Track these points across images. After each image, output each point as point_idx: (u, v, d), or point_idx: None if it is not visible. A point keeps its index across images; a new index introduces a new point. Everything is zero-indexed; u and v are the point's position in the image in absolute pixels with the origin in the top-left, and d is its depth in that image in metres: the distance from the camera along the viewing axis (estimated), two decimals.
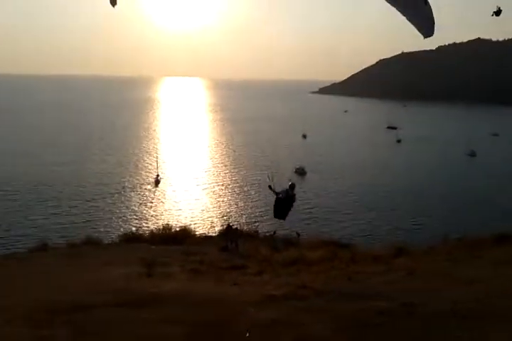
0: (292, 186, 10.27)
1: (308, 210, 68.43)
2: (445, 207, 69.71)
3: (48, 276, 13.16)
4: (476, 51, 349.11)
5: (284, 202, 9.73)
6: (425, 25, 8.96)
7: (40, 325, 8.18)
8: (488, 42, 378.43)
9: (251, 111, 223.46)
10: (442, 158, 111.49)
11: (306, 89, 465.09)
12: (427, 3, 8.73)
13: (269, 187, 10.14)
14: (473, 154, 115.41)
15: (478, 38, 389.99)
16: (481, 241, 14.62)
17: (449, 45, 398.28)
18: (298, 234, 24.45)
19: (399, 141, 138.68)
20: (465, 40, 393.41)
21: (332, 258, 14.81)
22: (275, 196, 9.82)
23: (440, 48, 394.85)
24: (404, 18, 9.44)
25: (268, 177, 10.43)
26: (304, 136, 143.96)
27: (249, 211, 68.42)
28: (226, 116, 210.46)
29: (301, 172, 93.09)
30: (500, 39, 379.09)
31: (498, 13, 10.63)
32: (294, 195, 10.03)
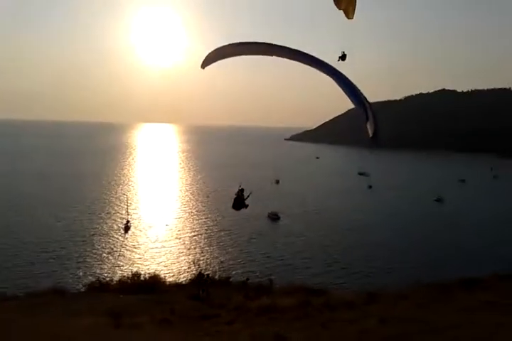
0: (241, 190, 14.59)
1: (281, 256, 67.83)
2: (414, 252, 70.26)
3: (8, 330, 12.44)
4: (441, 101, 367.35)
5: (237, 200, 14.07)
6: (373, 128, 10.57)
7: None
8: (453, 92, 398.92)
9: (224, 158, 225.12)
10: (411, 203, 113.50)
11: (280, 136, 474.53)
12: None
13: (239, 190, 14.48)
14: (440, 200, 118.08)
15: (443, 89, 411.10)
16: (450, 286, 14.72)
17: (415, 95, 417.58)
18: (270, 281, 24.10)
19: (370, 187, 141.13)
20: (431, 91, 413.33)
21: (305, 305, 14.56)
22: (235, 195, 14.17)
23: (407, 98, 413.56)
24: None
25: (240, 185, 14.58)
26: (277, 182, 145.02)
27: (222, 258, 67.21)
28: (199, 162, 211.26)
29: (274, 217, 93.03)
30: (465, 90, 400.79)
31: (343, 57, 11.20)
32: (243, 195, 14.24)
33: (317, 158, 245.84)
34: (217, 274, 32.72)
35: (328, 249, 72.00)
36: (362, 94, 10.75)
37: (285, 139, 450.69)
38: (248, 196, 14.55)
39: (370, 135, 10.45)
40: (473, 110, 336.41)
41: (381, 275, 57.52)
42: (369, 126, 10.36)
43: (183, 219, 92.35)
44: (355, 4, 10.06)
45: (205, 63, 12.05)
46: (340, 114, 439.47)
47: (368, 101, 10.68)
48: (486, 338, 9.26)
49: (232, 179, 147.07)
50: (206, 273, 25.39)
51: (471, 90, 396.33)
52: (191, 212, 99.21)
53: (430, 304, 12.43)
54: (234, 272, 55.98)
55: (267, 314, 14.44)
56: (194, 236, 79.71)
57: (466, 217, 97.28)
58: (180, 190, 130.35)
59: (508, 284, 14.16)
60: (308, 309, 14.26)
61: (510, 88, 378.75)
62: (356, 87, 10.78)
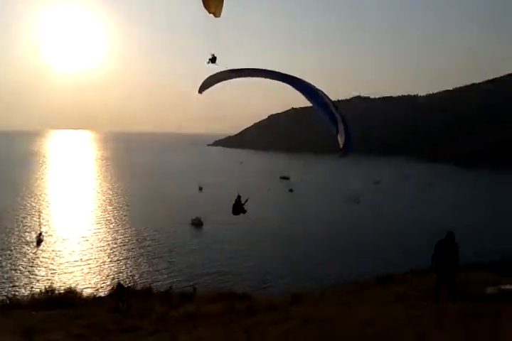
0: (239, 196, 15.52)
1: (205, 263, 67.29)
2: (334, 252, 72.97)
3: None
4: (357, 107, 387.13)
5: (235, 205, 15.16)
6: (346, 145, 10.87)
7: None
8: (367, 99, 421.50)
9: (145, 165, 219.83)
10: (330, 205, 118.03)
11: (203, 142, 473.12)
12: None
13: (237, 197, 15.45)
14: (357, 201, 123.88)
15: (359, 96, 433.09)
16: (367, 283, 15.42)
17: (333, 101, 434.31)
18: (194, 289, 23.80)
19: (291, 191, 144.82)
20: (348, 97, 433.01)
21: (229, 311, 14.50)
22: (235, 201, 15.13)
23: None
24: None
25: (238, 193, 15.42)
26: (200, 188, 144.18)
27: (144, 268, 65.31)
28: (118, 170, 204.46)
29: (197, 223, 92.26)
30: (377, 97, 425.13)
31: (213, 60, 11.51)
32: (240, 201, 15.25)
33: (241, 163, 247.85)
34: (139, 285, 31.69)
35: (252, 254, 72.63)
36: (333, 106, 11.12)
37: (208, 145, 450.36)
38: (246, 201, 15.45)
39: (341, 146, 10.87)
40: (386, 116, 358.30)
41: (305, 277, 58.82)
42: (339, 138, 10.80)
43: (101, 230, 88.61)
44: (222, 5, 10.69)
45: (202, 88, 12.54)
46: (263, 119, 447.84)
47: (340, 113, 11.00)
48: (400, 330, 9.75)
49: (154, 187, 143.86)
50: (127, 284, 24.49)
51: (383, 97, 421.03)
52: (110, 222, 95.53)
53: (349, 302, 12.90)
54: (157, 282, 54.66)
55: (191, 322, 14.20)
56: (114, 247, 76.76)
57: (381, 217, 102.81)
58: (98, 200, 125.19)
59: (419, 278, 15.07)
60: (232, 314, 14.21)
61: (417, 94, 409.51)
62: (326, 98, 11.12)
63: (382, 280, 15.28)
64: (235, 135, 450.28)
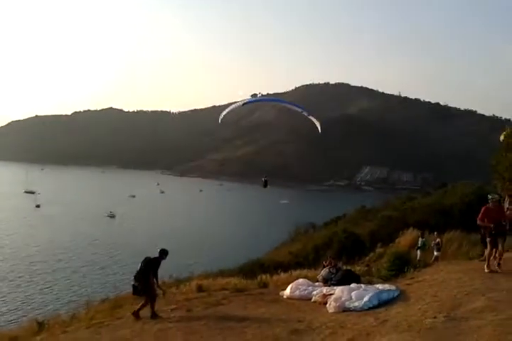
0: (266, 176, 21.94)
1: None
2: (83, 268, 69.26)
3: None
4: (109, 119, 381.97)
5: (265, 183, 21.03)
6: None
7: None
8: (120, 111, 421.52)
9: None
10: (83, 220, 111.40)
11: None
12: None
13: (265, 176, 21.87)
14: (112, 216, 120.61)
15: (111, 107, 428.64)
16: (123, 299, 15.16)
17: (84, 111, 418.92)
18: None
19: (38, 206, 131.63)
20: (99, 108, 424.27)
21: None
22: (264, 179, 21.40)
23: (75, 114, 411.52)
24: None
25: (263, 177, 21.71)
26: None
27: None
28: None
29: None
30: (131, 110, 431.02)
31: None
32: (267, 180, 21.28)
33: None
34: None
35: None
36: (295, 104, 18.18)
37: None
38: (267, 180, 21.52)
39: (319, 128, 16.86)
40: (138, 128, 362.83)
41: (59, 302, 53.55)
42: (313, 119, 16.62)
43: None
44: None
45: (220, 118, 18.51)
46: (2, 125, 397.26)
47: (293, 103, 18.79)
48: None
49: None
50: None
51: (137, 110, 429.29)
52: None
53: (102, 322, 12.46)
54: None
55: None
56: None
57: (137, 230, 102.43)
58: None
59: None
60: None
61: (170, 111, 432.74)
62: (292, 103, 18.75)
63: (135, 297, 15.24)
64: None
